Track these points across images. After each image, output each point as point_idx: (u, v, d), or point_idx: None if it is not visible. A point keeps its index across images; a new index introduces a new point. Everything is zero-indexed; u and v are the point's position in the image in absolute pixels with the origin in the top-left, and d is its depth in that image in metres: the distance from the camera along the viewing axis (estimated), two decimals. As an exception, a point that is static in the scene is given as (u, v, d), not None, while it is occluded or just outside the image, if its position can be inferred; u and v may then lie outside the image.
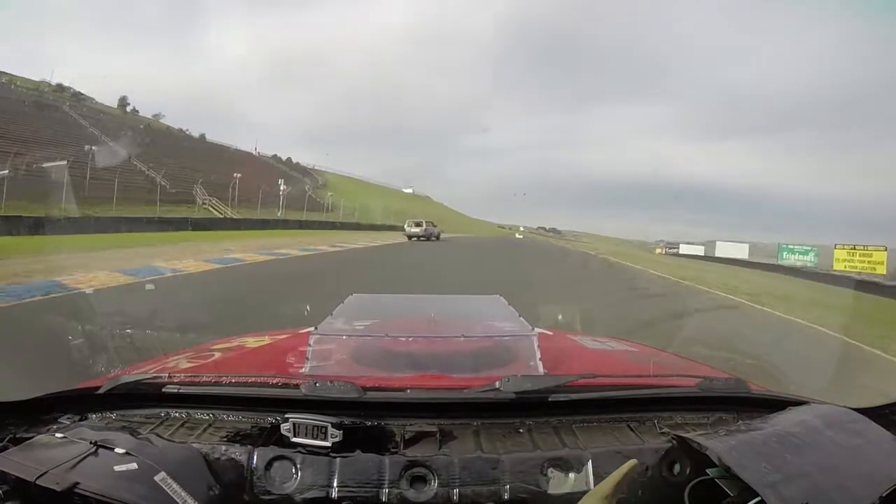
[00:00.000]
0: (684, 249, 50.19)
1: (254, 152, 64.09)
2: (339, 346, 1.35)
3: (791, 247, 33.25)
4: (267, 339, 1.68)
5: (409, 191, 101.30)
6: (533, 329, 1.36)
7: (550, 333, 1.73)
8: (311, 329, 1.31)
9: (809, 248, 32.05)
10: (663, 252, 52.67)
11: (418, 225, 30.88)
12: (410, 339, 1.44)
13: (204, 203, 31.83)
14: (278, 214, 35.44)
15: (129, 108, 51.91)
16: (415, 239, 28.88)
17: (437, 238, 31.78)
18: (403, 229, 31.54)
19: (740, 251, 39.15)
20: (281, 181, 39.38)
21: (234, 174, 33.90)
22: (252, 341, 1.67)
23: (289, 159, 69.59)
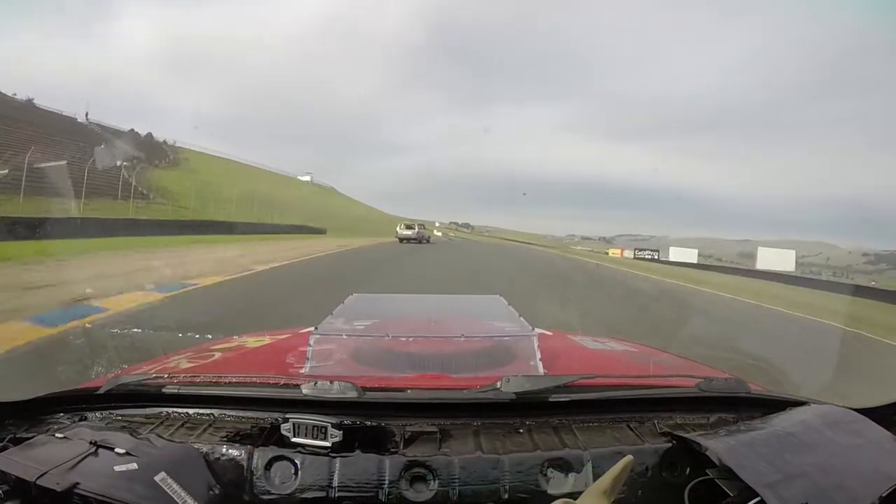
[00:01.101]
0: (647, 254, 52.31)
1: (81, 119, 42.71)
2: (339, 345, 1.35)
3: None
4: (267, 339, 1.68)
5: (306, 178, 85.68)
6: (533, 329, 1.36)
7: (550, 334, 1.73)
8: (311, 329, 1.31)
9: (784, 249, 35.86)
10: (623, 255, 53.72)
11: (409, 228, 31.21)
12: (410, 339, 1.44)
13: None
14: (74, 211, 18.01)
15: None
16: (406, 241, 29.48)
17: (428, 241, 32.55)
18: (396, 232, 31.96)
19: (690, 255, 43.10)
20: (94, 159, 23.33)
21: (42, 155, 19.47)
22: (252, 341, 1.67)
23: (132, 132, 47.79)
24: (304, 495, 0.82)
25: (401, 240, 29.62)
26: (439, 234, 64.93)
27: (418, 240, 30.30)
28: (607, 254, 57.00)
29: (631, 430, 0.96)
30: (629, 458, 0.72)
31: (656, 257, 51.06)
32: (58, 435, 0.79)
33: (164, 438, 0.84)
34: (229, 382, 1.02)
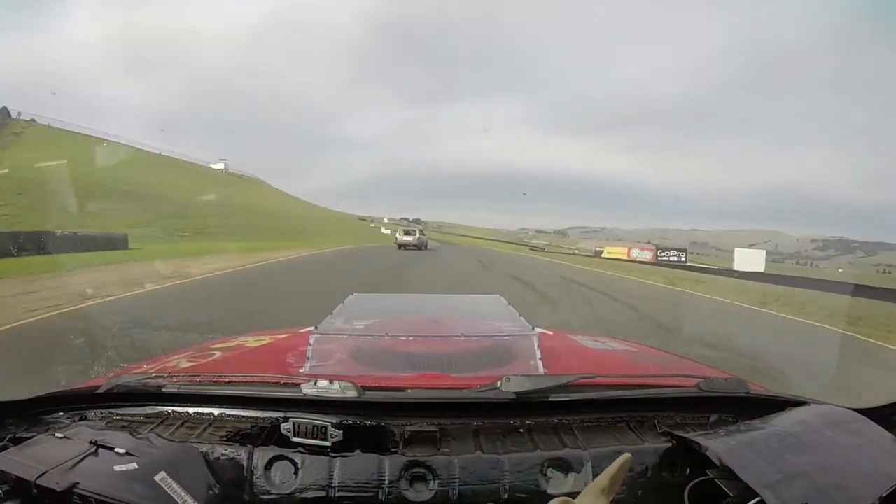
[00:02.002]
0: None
1: None
2: (339, 345, 1.35)
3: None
4: (267, 339, 1.68)
5: (219, 166, 69.08)
6: (533, 329, 1.36)
7: (550, 333, 1.73)
8: (311, 329, 1.31)
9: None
10: (632, 256, 39.52)
11: (409, 234, 29.91)
12: (410, 338, 1.44)
13: None
14: None
15: None
16: (405, 248, 27.85)
17: (426, 247, 30.15)
18: (395, 238, 30.47)
19: (757, 261, 34.25)
20: None
21: None
22: (252, 341, 1.67)
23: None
24: (304, 495, 0.82)
25: (399, 246, 28.29)
26: (387, 231, 54.58)
27: (418, 246, 28.73)
28: (600, 255, 42.24)
29: (631, 429, 0.96)
30: (627, 455, 0.72)
31: (682, 259, 37.61)
32: (58, 434, 0.79)
33: (164, 438, 0.84)
34: (229, 382, 1.02)
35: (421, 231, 31.57)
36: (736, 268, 28.92)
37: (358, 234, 54.09)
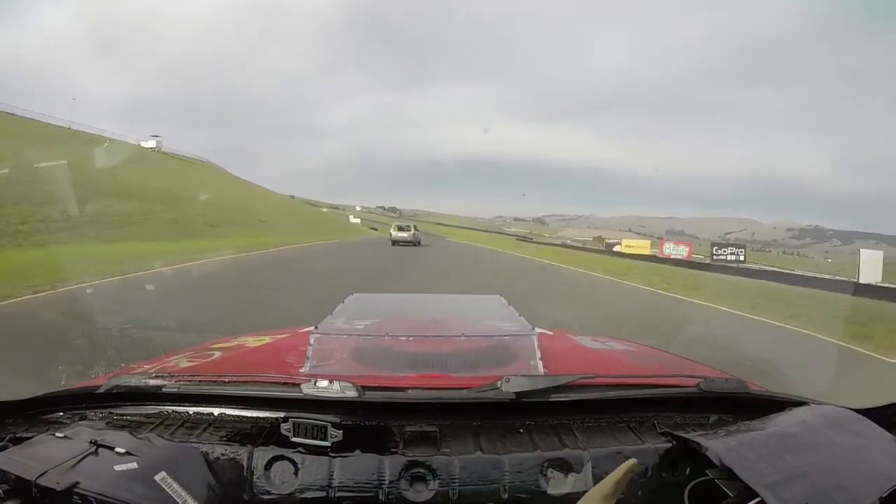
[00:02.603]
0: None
1: None
2: (339, 345, 1.35)
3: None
4: (267, 339, 1.68)
5: (150, 144, 54.45)
6: (533, 329, 1.36)
7: (551, 333, 1.73)
8: (312, 328, 1.31)
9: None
10: (665, 252, 29.27)
11: (403, 230, 28.09)
12: (411, 338, 1.44)
13: None
14: None
15: None
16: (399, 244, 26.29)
17: (419, 243, 27.84)
18: (390, 234, 28.68)
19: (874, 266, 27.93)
20: None
21: None
22: (252, 341, 1.67)
23: None
24: (303, 495, 0.82)
25: (394, 242, 26.78)
26: (356, 220, 44.28)
27: (413, 242, 27.13)
28: (613, 249, 33.13)
29: (631, 430, 0.96)
30: (632, 461, 0.72)
31: (741, 259, 27.04)
32: (58, 434, 0.79)
33: (164, 438, 0.84)
34: (229, 382, 1.02)
35: (416, 227, 29.20)
36: (863, 278, 16.21)
37: (320, 226, 44.69)
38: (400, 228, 28.30)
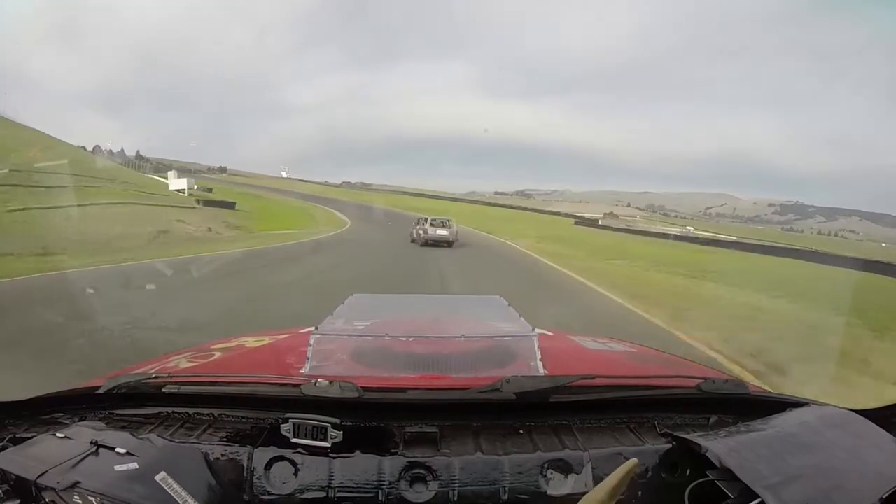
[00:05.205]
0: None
1: None
2: (339, 345, 1.35)
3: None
4: (267, 339, 1.68)
5: None
6: (533, 329, 1.36)
7: (551, 334, 1.73)
8: (312, 329, 1.31)
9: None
10: None
11: (442, 226, 19.16)
12: (411, 339, 1.44)
13: None
14: None
15: None
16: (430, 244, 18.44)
17: (450, 244, 18.90)
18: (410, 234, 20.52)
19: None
20: None
21: None
22: (252, 341, 1.68)
23: None
24: (303, 495, 0.82)
25: (424, 243, 18.65)
26: (179, 187, 33.17)
27: (451, 242, 18.99)
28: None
29: (631, 431, 0.96)
30: (633, 461, 0.72)
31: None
32: (58, 434, 0.79)
33: (164, 438, 0.84)
34: (229, 382, 1.02)
35: (453, 223, 19.75)
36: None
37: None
38: (440, 224, 19.33)
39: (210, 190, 39.36)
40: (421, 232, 19.47)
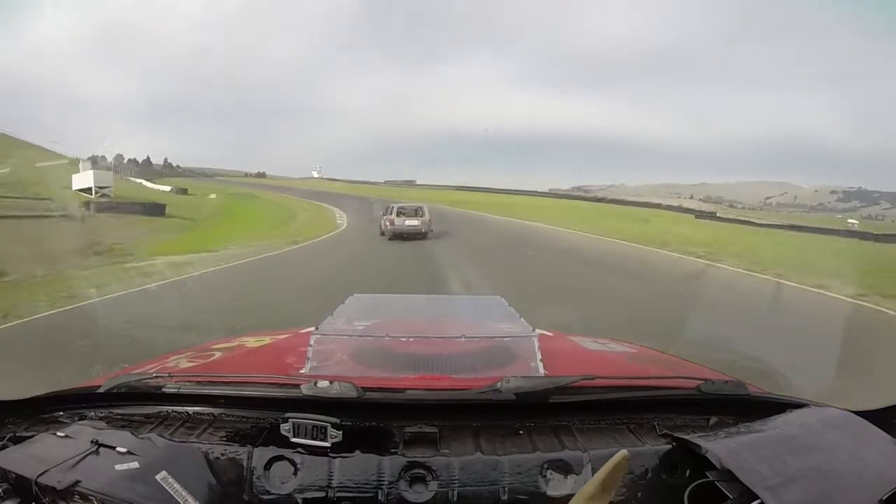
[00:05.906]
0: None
1: None
2: (339, 346, 1.35)
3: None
4: (267, 339, 1.68)
5: None
6: (533, 330, 1.36)
7: (550, 335, 1.73)
8: (312, 329, 1.31)
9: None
10: None
11: (409, 216, 16.27)
12: (411, 339, 1.44)
13: None
14: None
15: None
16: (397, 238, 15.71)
17: (424, 236, 16.13)
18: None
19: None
20: None
21: None
22: (252, 341, 1.68)
23: None
24: (303, 495, 0.82)
25: (393, 236, 15.98)
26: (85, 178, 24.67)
27: (424, 233, 16.17)
28: None
29: (631, 431, 0.96)
30: (623, 452, 0.71)
31: None
32: (58, 434, 0.79)
33: (164, 438, 0.84)
34: (229, 382, 1.02)
35: (424, 209, 16.73)
36: None
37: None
38: (403, 212, 16.43)
39: (185, 191, 35.07)
40: (388, 223, 16.22)
